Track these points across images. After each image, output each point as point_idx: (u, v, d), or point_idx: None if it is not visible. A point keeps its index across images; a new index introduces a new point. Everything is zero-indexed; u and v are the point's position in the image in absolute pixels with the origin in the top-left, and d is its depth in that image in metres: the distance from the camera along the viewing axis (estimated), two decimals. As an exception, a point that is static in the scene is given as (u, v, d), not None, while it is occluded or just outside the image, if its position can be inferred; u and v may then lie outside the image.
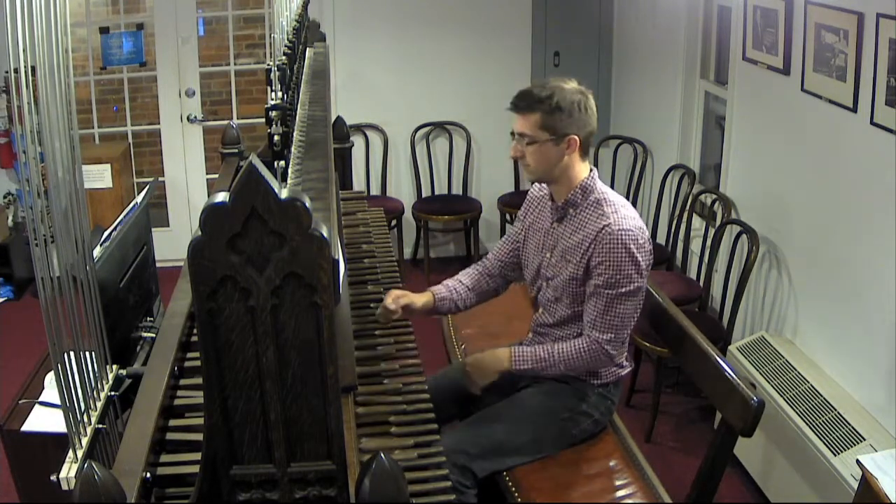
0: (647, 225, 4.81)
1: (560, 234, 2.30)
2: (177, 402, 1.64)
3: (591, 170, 2.27)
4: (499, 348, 2.34)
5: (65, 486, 1.40)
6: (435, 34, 5.07)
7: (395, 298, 2.32)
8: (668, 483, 2.28)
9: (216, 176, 3.16)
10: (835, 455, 2.66)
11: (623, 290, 2.18)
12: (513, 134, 2.25)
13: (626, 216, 2.19)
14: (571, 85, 2.21)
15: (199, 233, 1.05)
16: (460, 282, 2.50)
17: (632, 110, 5.12)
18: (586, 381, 2.34)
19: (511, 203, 5.00)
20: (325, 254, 1.07)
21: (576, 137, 2.19)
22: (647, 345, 3.42)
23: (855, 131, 2.87)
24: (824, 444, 2.71)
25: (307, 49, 3.00)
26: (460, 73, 5.11)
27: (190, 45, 5.08)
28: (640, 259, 2.17)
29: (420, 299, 2.39)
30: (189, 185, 5.32)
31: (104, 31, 5.13)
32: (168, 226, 5.33)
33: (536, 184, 2.44)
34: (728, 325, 3.54)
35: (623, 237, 2.15)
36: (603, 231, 2.17)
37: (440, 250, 5.53)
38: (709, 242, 3.80)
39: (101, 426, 1.53)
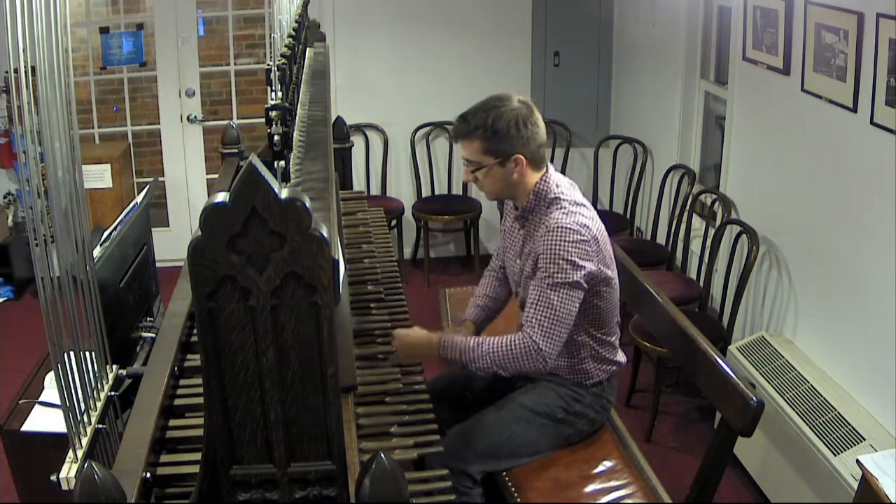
0: (647, 225, 4.79)
1: (523, 239, 2.31)
2: (177, 402, 1.64)
3: (543, 172, 2.25)
4: (433, 333, 2.25)
5: (65, 486, 1.40)
6: (435, 34, 5.07)
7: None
8: (668, 483, 2.28)
9: (216, 176, 3.16)
10: (835, 455, 2.66)
11: (556, 280, 2.12)
12: (464, 160, 2.24)
13: (571, 212, 2.17)
14: (511, 103, 2.17)
15: (199, 233, 1.05)
16: (486, 296, 2.53)
17: (632, 110, 5.12)
18: (579, 381, 2.34)
19: (511, 203, 5.00)
20: (325, 254, 1.07)
21: (521, 156, 2.17)
22: (647, 345, 3.42)
23: (855, 131, 2.87)
24: (824, 444, 2.71)
25: (307, 49, 3.00)
26: (460, 74, 5.11)
27: (190, 45, 5.08)
28: (574, 256, 2.12)
29: (468, 331, 2.43)
30: (189, 185, 5.32)
31: (104, 31, 5.14)
32: (168, 226, 5.33)
33: None
34: (728, 325, 3.54)
35: (559, 232, 2.13)
36: (544, 227, 2.18)
37: (440, 250, 5.53)
38: (709, 242, 3.80)
39: (101, 426, 1.53)
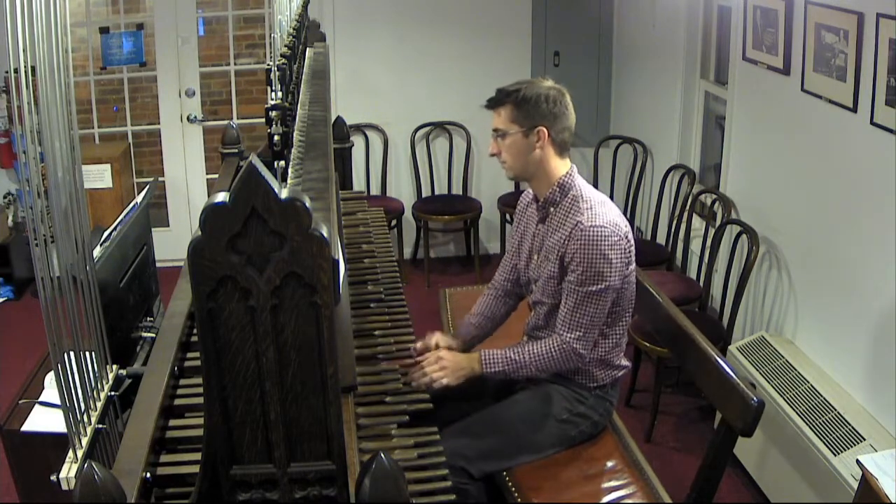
0: (647, 225, 4.78)
1: (544, 234, 2.31)
2: (177, 402, 1.64)
3: (570, 167, 2.29)
4: (470, 353, 2.34)
5: (65, 486, 1.40)
6: (435, 34, 5.07)
7: (441, 340, 2.38)
8: (668, 483, 2.28)
9: (216, 176, 3.16)
10: (835, 455, 2.66)
11: (593, 287, 2.17)
12: (493, 130, 2.30)
13: (599, 213, 2.19)
14: (545, 83, 2.26)
15: (199, 233, 1.05)
16: (481, 315, 2.54)
17: (632, 110, 5.12)
18: (583, 383, 2.34)
19: (511, 203, 4.98)
20: (325, 254, 1.07)
21: (544, 129, 2.21)
22: (647, 345, 3.42)
23: (855, 131, 2.87)
24: (824, 444, 2.71)
25: (307, 49, 3.00)
26: (460, 73, 5.11)
27: (190, 45, 5.08)
28: (612, 257, 2.16)
29: (457, 347, 2.44)
30: (189, 185, 5.32)
31: (104, 31, 5.14)
32: (168, 226, 5.33)
33: (525, 192, 2.45)
34: (728, 325, 3.54)
35: (594, 234, 2.15)
36: (576, 228, 2.18)
37: (440, 250, 5.53)
38: (709, 242, 3.80)
39: (101, 426, 1.53)
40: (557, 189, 2.26)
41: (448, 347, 2.38)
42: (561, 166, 2.27)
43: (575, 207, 2.22)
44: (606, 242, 2.15)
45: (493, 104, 2.27)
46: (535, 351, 2.25)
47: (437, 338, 2.39)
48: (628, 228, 2.23)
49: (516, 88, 2.23)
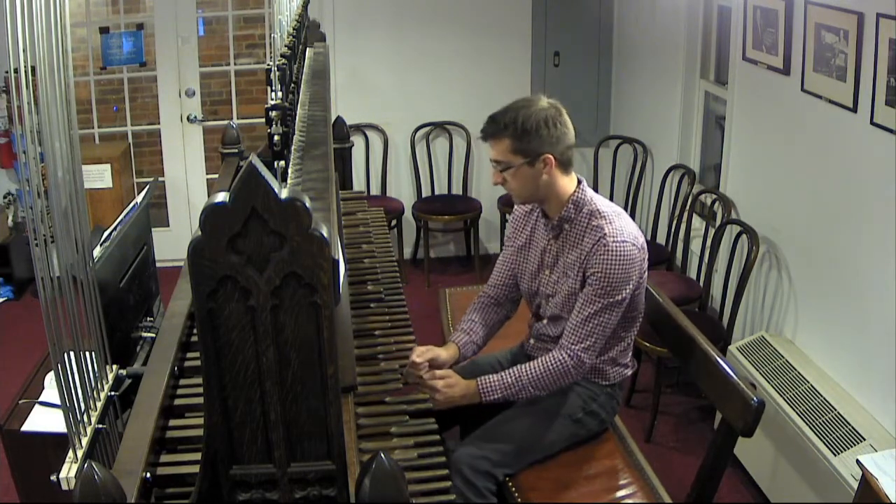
0: (647, 225, 4.79)
1: (559, 250, 2.28)
2: (177, 402, 1.64)
3: (578, 181, 2.25)
4: (469, 380, 2.23)
5: (65, 486, 1.40)
6: (435, 34, 5.07)
7: (421, 353, 2.22)
8: (668, 483, 2.28)
9: (216, 176, 3.16)
10: (835, 455, 2.66)
11: (611, 300, 2.16)
12: (492, 161, 2.22)
13: (620, 227, 2.17)
14: (540, 103, 2.17)
15: (199, 233, 1.05)
16: (473, 321, 2.45)
17: (632, 110, 5.12)
18: (596, 381, 2.34)
19: (511, 203, 4.98)
20: (325, 254, 1.07)
21: (550, 156, 2.16)
22: (647, 345, 3.42)
23: (855, 131, 2.87)
24: (824, 444, 2.71)
25: (307, 49, 3.00)
26: (460, 73, 5.11)
27: (190, 45, 5.09)
28: (631, 272, 2.16)
29: (445, 352, 2.32)
30: (189, 185, 5.32)
31: (104, 31, 5.14)
32: (168, 226, 5.33)
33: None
34: (728, 325, 3.54)
35: (618, 249, 2.14)
36: (599, 242, 2.16)
37: (440, 250, 5.53)
38: (709, 242, 3.80)
39: (101, 426, 1.53)
40: (572, 206, 2.22)
41: (434, 359, 2.23)
42: (569, 183, 2.23)
43: (593, 222, 2.20)
44: (628, 257, 2.15)
45: (489, 135, 2.18)
46: (533, 373, 2.21)
47: (416, 354, 2.20)
48: (643, 238, 2.23)
49: (513, 118, 2.13)
